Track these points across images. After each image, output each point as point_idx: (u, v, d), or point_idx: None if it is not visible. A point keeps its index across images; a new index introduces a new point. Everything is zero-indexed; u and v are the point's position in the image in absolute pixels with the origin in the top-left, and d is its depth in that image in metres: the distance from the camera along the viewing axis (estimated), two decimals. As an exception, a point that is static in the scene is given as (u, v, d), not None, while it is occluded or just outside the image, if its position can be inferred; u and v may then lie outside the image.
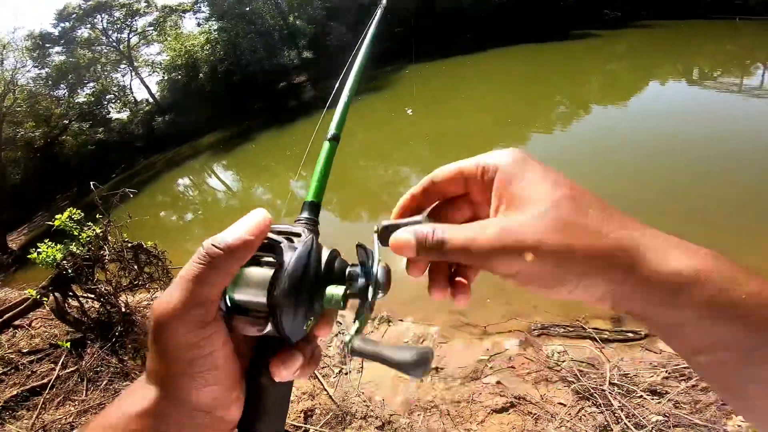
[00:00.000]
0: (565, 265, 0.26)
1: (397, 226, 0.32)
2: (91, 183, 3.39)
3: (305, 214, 0.39)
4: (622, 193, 4.09)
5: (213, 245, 0.29)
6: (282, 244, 0.32)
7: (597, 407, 2.01)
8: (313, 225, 0.37)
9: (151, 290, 3.44)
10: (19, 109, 12.88)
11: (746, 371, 0.25)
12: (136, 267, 3.42)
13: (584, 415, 1.99)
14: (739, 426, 1.81)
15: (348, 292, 0.31)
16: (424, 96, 10.97)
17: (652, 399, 1.99)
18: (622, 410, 1.95)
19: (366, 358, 0.30)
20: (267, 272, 0.30)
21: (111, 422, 0.29)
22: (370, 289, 0.31)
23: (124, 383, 2.62)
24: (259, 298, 0.30)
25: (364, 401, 2.26)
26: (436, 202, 0.36)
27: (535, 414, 2.03)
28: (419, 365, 0.26)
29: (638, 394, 2.02)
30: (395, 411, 2.16)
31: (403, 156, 7.44)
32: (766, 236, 3.27)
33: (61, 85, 15.70)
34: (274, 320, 0.30)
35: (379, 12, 0.73)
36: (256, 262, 0.31)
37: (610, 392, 2.04)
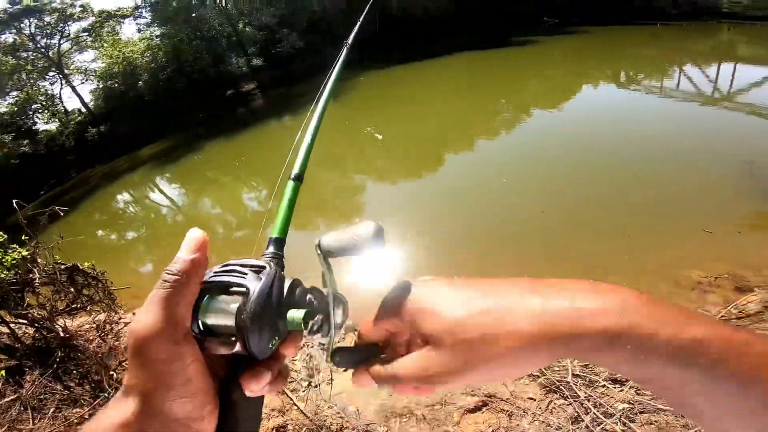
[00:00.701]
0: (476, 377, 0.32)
1: (349, 350, 0.39)
2: (14, 201, 3.02)
3: (271, 249, 0.44)
4: (561, 188, 4.66)
5: (167, 272, 0.33)
6: (248, 276, 0.36)
7: (565, 399, 2.06)
8: (279, 259, 0.42)
9: (93, 313, 3.14)
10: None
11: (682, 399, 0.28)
12: (72, 290, 3.14)
13: (554, 408, 2.03)
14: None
15: (306, 314, 0.35)
16: (375, 103, 11.06)
17: (615, 387, 2.07)
18: (588, 400, 2.00)
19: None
20: (235, 299, 0.35)
21: None
22: (331, 309, 0.36)
23: (74, 410, 2.36)
24: (228, 321, 0.34)
25: (338, 413, 2.18)
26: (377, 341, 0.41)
27: (507, 410, 2.05)
28: (378, 237, 0.33)
29: (601, 384, 2.10)
30: (371, 420, 2.10)
31: (356, 164, 7.42)
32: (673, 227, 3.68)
33: (-21, 94, 14.07)
34: (242, 341, 0.33)
35: (344, 51, 0.76)
36: (225, 291, 0.35)
37: (574, 384, 2.11)
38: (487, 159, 6.24)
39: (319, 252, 0.35)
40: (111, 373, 2.39)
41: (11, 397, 2.42)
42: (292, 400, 2.33)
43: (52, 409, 2.37)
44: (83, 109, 16.45)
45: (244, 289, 0.34)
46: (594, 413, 1.93)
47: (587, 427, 1.89)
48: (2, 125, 14.03)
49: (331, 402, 2.31)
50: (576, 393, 2.06)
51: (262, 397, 0.38)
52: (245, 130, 11.86)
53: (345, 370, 0.39)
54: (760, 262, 3.02)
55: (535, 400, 2.09)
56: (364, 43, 15.40)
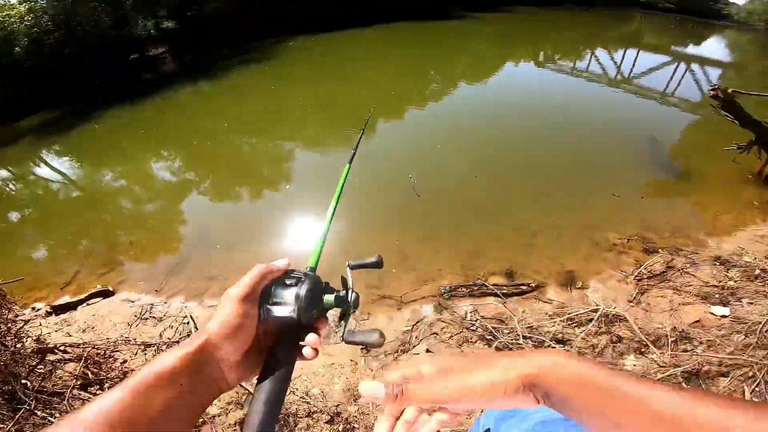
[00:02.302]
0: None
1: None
2: None
3: (309, 267, 0.60)
4: (489, 156, 5.01)
5: (259, 265, 0.51)
6: (301, 277, 0.53)
7: None
8: (314, 272, 0.59)
9: None
10: None
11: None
12: None
13: None
14: (634, 365, 2.17)
15: (336, 297, 0.55)
16: (309, 68, 10.45)
17: (560, 347, 2.28)
18: None
19: (354, 344, 0.65)
20: (293, 288, 0.52)
21: (168, 360, 0.43)
22: (350, 295, 0.56)
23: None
24: (288, 299, 0.51)
25: (302, 398, 2.11)
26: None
27: None
28: (381, 338, 0.53)
29: (547, 344, 2.29)
30: (338, 401, 2.07)
31: (284, 130, 7.01)
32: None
33: None
34: (296, 313, 0.50)
35: (347, 168, 0.80)
36: (285, 285, 0.52)
37: (525, 345, 2.27)
38: (419, 126, 6.32)
39: (348, 266, 0.60)
40: (24, 381, 2.00)
41: None
42: (247, 389, 2.19)
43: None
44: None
45: (299, 279, 0.53)
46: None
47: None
48: None
49: (291, 387, 2.22)
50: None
51: (293, 363, 0.51)
52: (153, 96, 10.47)
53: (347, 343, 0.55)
54: (661, 225, 3.54)
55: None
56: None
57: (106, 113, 10.37)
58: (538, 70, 9.31)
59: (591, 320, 2.52)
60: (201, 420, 2.04)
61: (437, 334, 2.61)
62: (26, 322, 2.71)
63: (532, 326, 2.49)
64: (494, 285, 2.99)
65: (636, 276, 2.96)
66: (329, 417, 1.96)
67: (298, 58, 11.36)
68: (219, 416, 2.04)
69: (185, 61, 13.19)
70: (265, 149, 6.44)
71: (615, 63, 9.32)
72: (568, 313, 2.60)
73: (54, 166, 8.65)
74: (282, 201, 4.68)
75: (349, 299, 0.56)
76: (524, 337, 2.37)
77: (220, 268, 3.47)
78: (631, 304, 2.73)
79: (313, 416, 1.97)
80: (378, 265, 0.61)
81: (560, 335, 2.41)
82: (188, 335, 2.65)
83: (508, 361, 0.44)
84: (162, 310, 3.01)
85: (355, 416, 1.98)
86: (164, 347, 2.59)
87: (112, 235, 4.43)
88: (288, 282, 0.53)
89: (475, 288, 3.00)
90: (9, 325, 2.67)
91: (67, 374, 2.30)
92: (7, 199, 7.56)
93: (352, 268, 0.59)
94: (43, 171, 8.55)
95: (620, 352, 2.27)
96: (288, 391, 2.26)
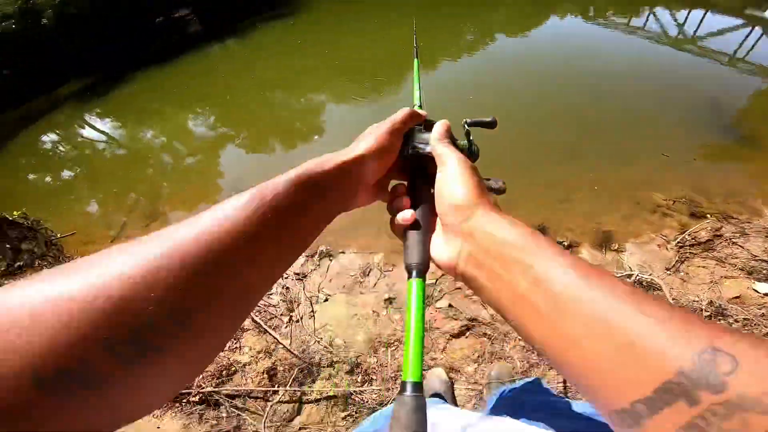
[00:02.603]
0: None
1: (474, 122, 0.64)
2: None
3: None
4: (526, 109, 4.66)
5: (408, 108, 0.57)
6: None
7: None
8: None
9: (42, 268, 2.84)
10: None
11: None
12: (8, 246, 2.78)
13: None
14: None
15: (466, 144, 0.60)
16: (335, 23, 10.11)
17: None
18: None
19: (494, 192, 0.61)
20: (429, 134, 0.57)
21: (328, 163, 0.46)
22: (473, 146, 0.61)
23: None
24: (425, 137, 0.57)
25: (325, 347, 2.19)
26: None
27: (489, 335, 2.14)
28: (504, 185, 0.61)
29: None
30: (360, 351, 2.13)
31: (313, 83, 6.93)
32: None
33: None
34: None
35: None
36: (421, 131, 0.60)
37: None
38: (452, 77, 6.04)
39: (464, 124, 0.62)
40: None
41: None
42: (276, 338, 2.30)
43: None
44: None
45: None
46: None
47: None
48: None
49: (315, 336, 2.30)
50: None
51: (431, 187, 0.52)
52: (182, 57, 10.61)
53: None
54: (713, 189, 3.24)
55: (513, 322, 2.19)
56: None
57: (138, 76, 10.67)
58: (587, 25, 8.51)
59: (624, 285, 2.39)
60: (233, 369, 2.16)
61: (461, 289, 2.56)
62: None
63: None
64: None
65: (678, 242, 2.76)
66: (350, 367, 2.02)
67: (324, 10, 11.00)
68: (249, 364, 2.16)
69: (211, 21, 13.14)
70: (297, 102, 6.44)
71: (677, 22, 8.31)
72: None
73: (98, 128, 9.12)
74: (310, 151, 4.75)
75: (473, 149, 0.61)
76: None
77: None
78: (668, 272, 2.55)
79: (335, 366, 2.05)
80: (493, 125, 0.65)
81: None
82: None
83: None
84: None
85: (374, 368, 2.04)
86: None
87: (155, 188, 4.70)
88: (425, 128, 0.60)
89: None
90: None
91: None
92: (59, 159, 8.10)
93: (470, 125, 0.63)
94: (88, 133, 9.04)
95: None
96: (312, 341, 2.36)
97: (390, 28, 9.05)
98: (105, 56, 12.52)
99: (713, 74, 5.59)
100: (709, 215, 2.94)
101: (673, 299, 2.28)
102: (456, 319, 2.27)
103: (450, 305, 2.43)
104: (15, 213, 2.91)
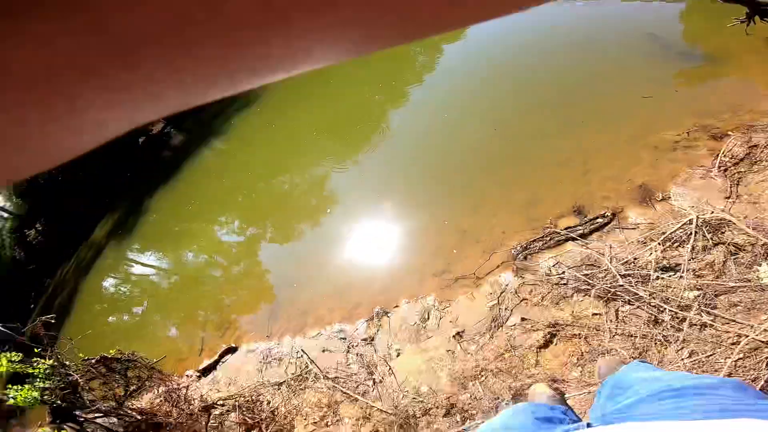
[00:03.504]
0: None
1: None
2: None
3: None
4: (491, 107, 4.57)
5: None
6: None
7: (630, 304, 2.00)
8: None
9: (152, 389, 3.30)
10: None
11: None
12: (117, 376, 3.24)
13: (626, 317, 1.97)
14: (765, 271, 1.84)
15: None
16: (299, 100, 10.63)
17: (670, 276, 2.00)
18: (654, 298, 1.94)
19: None
20: None
21: None
22: None
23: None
24: None
25: (414, 398, 2.25)
26: None
27: (580, 334, 2.03)
28: None
29: (654, 276, 2.03)
30: (449, 392, 2.17)
31: (304, 159, 7.22)
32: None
33: None
34: None
35: None
36: None
37: (629, 285, 2.03)
38: (422, 104, 6.13)
39: None
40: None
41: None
42: (368, 402, 2.39)
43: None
44: (3, 215, 14.83)
45: None
46: (668, 309, 1.87)
47: (673, 326, 1.83)
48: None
49: (402, 390, 2.36)
50: (636, 293, 2.01)
51: None
52: (181, 170, 11.32)
53: None
54: (715, 108, 3.09)
55: (600, 314, 2.05)
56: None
57: (152, 202, 11.46)
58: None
59: (690, 234, 2.15)
60: None
61: (527, 299, 2.48)
62: (187, 387, 3.30)
63: (627, 261, 2.25)
64: (567, 228, 2.76)
65: (719, 166, 2.62)
66: (445, 410, 2.06)
67: (284, 96, 11.50)
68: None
69: (186, 127, 13.66)
70: (302, 181, 6.73)
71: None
72: (662, 233, 2.28)
73: (144, 263, 9.90)
74: (330, 224, 4.93)
75: None
76: (623, 276, 2.14)
77: (305, 302, 3.78)
78: (729, 200, 2.34)
79: (430, 413, 2.09)
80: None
81: (664, 262, 2.13)
82: (306, 367, 2.94)
83: None
84: (279, 351, 3.33)
85: (469, 403, 2.06)
86: (292, 382, 2.89)
87: (217, 301, 5.08)
88: None
89: (548, 238, 2.79)
90: (177, 393, 3.26)
91: (233, 422, 2.71)
92: (126, 299, 8.88)
93: None
94: (138, 269, 9.83)
95: (746, 263, 1.88)
96: (401, 395, 2.42)
97: (356, 82, 9.36)
98: (117, 191, 13.27)
99: (633, 14, 5.37)
100: (730, 132, 2.78)
101: (753, 229, 2.04)
102: (536, 330, 2.19)
103: (522, 318, 2.35)
104: (111, 351, 3.33)
